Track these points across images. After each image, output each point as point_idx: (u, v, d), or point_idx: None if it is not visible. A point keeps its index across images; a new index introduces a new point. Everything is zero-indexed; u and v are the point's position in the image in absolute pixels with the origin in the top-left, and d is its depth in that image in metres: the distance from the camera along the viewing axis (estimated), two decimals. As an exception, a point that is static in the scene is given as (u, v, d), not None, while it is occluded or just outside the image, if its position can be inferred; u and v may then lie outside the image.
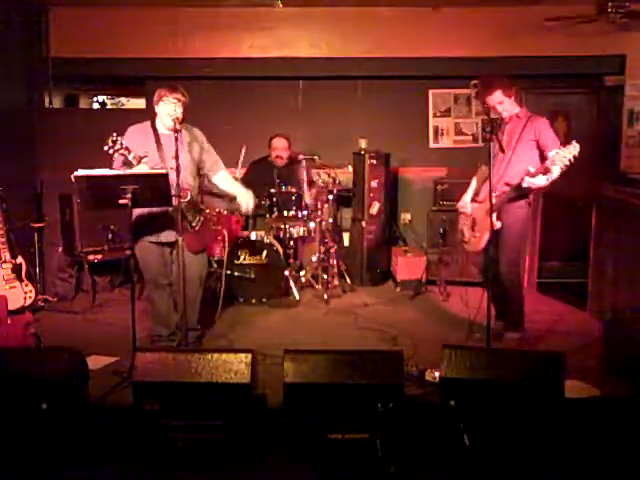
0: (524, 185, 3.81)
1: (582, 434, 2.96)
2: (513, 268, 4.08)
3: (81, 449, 2.94)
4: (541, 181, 3.76)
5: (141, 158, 3.64)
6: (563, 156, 3.59)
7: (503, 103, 3.97)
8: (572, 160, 3.60)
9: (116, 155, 3.61)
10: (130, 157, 3.61)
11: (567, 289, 5.45)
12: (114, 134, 3.59)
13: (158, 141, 3.85)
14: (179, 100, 3.81)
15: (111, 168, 3.78)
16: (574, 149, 3.58)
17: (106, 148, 3.56)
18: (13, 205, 4.68)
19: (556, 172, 3.71)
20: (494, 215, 3.87)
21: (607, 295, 4.62)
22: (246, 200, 4.17)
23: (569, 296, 5.30)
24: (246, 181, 5.81)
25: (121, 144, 3.56)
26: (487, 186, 4.01)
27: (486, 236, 3.98)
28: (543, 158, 3.89)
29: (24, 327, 3.98)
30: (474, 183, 4.32)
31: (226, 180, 4.20)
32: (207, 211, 4.13)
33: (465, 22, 5.96)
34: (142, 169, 3.64)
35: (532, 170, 3.77)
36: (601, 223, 4.80)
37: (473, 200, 4.25)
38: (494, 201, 3.83)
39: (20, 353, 3.32)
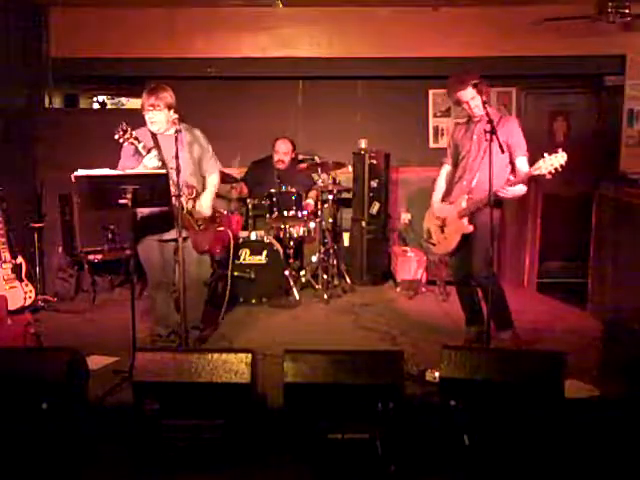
0: (502, 195, 3.72)
1: (582, 434, 2.96)
2: (489, 267, 3.88)
3: (81, 449, 2.94)
4: (520, 190, 3.72)
5: (150, 149, 3.66)
6: (550, 164, 3.45)
7: (474, 99, 3.84)
8: (559, 169, 3.45)
9: (126, 144, 3.63)
10: (140, 147, 3.63)
11: (567, 289, 5.45)
12: (124, 123, 3.59)
13: (157, 143, 3.84)
14: (154, 107, 3.78)
15: (119, 159, 3.81)
16: (562, 158, 3.44)
17: (117, 137, 3.58)
18: (13, 205, 4.68)
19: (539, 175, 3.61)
20: (465, 218, 3.87)
21: (607, 295, 4.62)
22: (202, 202, 4.01)
23: (569, 296, 5.30)
24: (246, 180, 5.86)
25: (130, 133, 3.58)
26: (459, 187, 4.00)
27: (457, 239, 3.92)
28: (511, 161, 3.83)
29: (24, 327, 3.98)
30: (442, 182, 4.23)
31: (211, 183, 4.12)
32: (212, 211, 4.13)
33: (465, 22, 5.96)
34: (152, 160, 3.66)
35: (512, 179, 3.73)
36: (601, 223, 4.80)
37: (443, 200, 4.15)
38: (466, 205, 3.84)
39: (20, 353, 3.32)
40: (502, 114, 3.95)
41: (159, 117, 3.80)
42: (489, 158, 3.53)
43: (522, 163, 3.80)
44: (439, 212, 4.13)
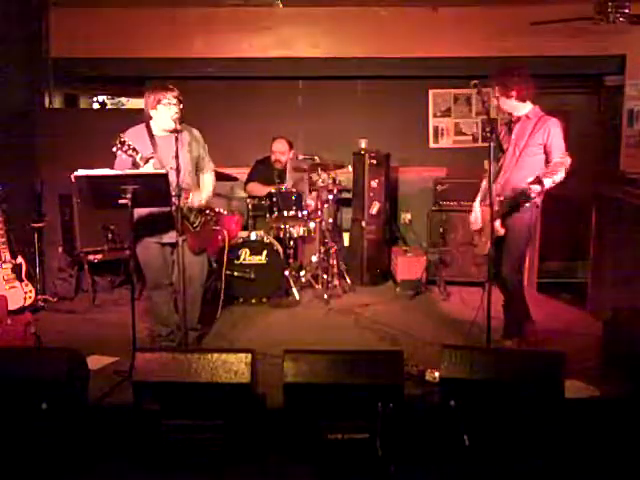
0: (531, 195, 3.64)
1: (582, 434, 2.96)
2: (514, 276, 3.92)
3: (81, 449, 2.94)
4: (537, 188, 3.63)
5: (148, 159, 3.63)
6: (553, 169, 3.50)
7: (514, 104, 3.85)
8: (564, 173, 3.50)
9: (124, 156, 3.59)
10: (138, 158, 3.59)
11: (567, 289, 5.46)
12: (121, 135, 3.57)
13: (154, 144, 3.83)
14: (178, 98, 3.78)
15: (113, 168, 3.77)
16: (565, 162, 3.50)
17: (114, 149, 3.54)
18: (13, 205, 4.67)
19: (547, 183, 3.58)
20: (498, 221, 3.75)
21: (607, 295, 4.61)
22: (196, 197, 3.94)
23: (569, 296, 5.31)
24: (249, 179, 5.88)
25: (128, 145, 3.54)
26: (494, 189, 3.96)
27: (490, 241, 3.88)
28: (548, 163, 3.74)
29: (24, 327, 3.99)
30: (484, 184, 4.14)
31: (208, 179, 4.10)
32: (208, 211, 4.14)
33: (465, 22, 5.97)
34: (148, 170, 3.61)
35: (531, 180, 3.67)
36: (601, 223, 4.80)
37: (483, 202, 4.08)
38: (498, 207, 3.72)
39: (20, 353, 3.32)
40: (544, 114, 3.85)
41: (178, 110, 3.79)
42: (489, 158, 3.53)
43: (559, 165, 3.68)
44: (479, 214, 4.06)
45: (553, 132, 3.74)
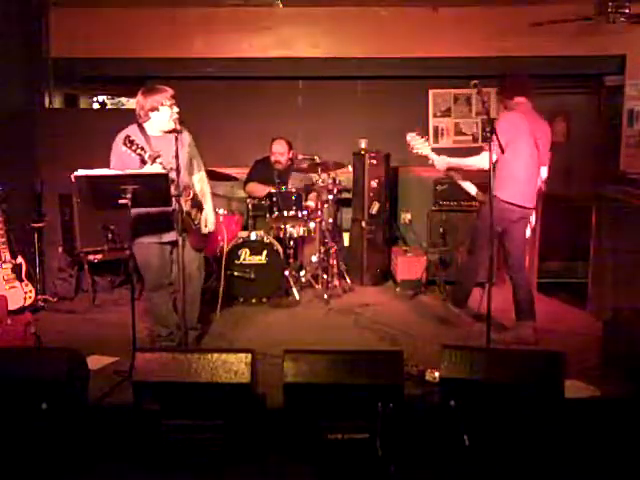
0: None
1: (582, 434, 2.96)
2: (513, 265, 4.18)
3: (81, 449, 2.94)
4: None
5: (155, 158, 3.63)
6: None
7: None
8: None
9: (133, 155, 3.59)
10: (146, 156, 3.60)
11: (567, 289, 5.46)
12: (129, 135, 3.59)
13: (149, 144, 3.81)
14: (175, 98, 3.81)
15: (109, 167, 3.78)
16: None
17: (124, 149, 3.55)
18: (13, 205, 4.68)
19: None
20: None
21: (607, 295, 4.62)
22: (208, 219, 4.07)
23: (569, 296, 5.31)
24: (248, 179, 5.87)
25: (137, 144, 3.56)
26: None
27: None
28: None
29: (24, 327, 3.99)
30: None
31: (202, 182, 4.14)
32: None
33: (465, 22, 5.97)
34: (157, 168, 3.62)
35: None
36: (601, 223, 4.80)
37: None
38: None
39: (20, 353, 3.32)
40: (514, 110, 4.14)
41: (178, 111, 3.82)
42: (489, 157, 3.56)
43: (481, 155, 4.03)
44: None
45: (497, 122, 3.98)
